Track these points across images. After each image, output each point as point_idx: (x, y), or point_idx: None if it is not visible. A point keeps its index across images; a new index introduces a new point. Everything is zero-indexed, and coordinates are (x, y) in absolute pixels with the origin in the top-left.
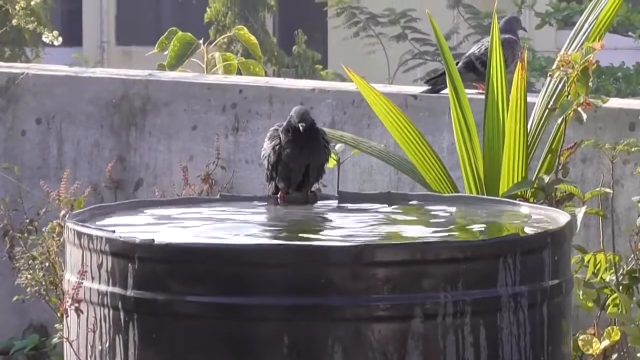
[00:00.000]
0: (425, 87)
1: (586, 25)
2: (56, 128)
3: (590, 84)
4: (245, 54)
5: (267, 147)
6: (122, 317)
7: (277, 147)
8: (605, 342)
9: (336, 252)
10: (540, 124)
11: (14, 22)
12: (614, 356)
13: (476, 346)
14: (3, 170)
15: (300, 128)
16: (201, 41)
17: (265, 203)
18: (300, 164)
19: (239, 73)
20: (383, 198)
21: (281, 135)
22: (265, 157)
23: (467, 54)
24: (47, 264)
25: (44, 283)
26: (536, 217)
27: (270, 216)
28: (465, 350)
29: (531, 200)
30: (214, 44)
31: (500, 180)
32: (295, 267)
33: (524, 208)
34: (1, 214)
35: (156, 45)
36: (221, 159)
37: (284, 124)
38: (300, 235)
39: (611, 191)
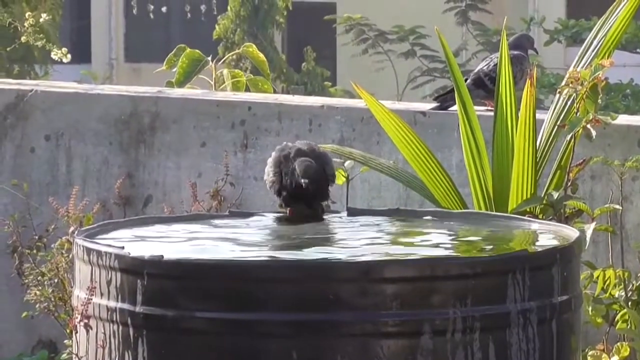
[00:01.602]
0: (434, 104)
1: (595, 42)
2: (65, 145)
3: (599, 100)
4: (253, 71)
5: (268, 176)
6: (131, 333)
7: (277, 189)
8: (615, 358)
9: (344, 268)
10: (550, 141)
11: (23, 39)
12: None
13: None
14: (12, 186)
15: (303, 185)
16: (209, 58)
17: (274, 219)
18: (300, 201)
19: (248, 90)
20: (392, 214)
21: (283, 181)
22: (268, 185)
23: (475, 71)
24: (56, 280)
25: (52, 299)
26: (545, 234)
27: (278, 232)
28: None
29: (540, 216)
30: (222, 61)
31: (509, 197)
32: (304, 283)
33: (533, 224)
34: (10, 230)
35: (165, 62)
36: (230, 175)
37: (282, 174)
38: (308, 251)
39: (620, 207)
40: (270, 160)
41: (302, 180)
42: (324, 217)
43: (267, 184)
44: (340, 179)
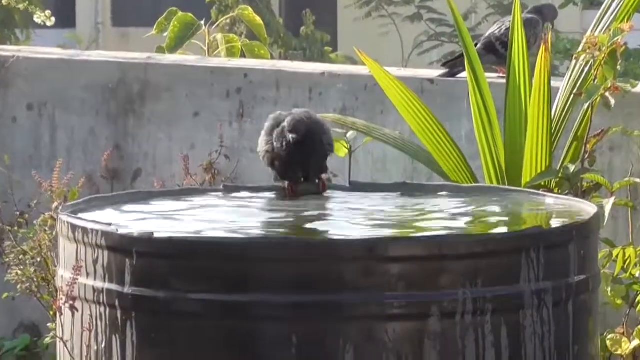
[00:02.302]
0: (442, 71)
1: (614, 5)
2: (49, 115)
3: (618, 67)
4: (249, 35)
5: (261, 146)
6: (119, 315)
7: (270, 155)
8: (635, 342)
9: (347, 247)
10: (565, 110)
11: (4, 1)
12: None
13: (497, 346)
14: None
15: (291, 139)
16: (202, 22)
17: (272, 194)
18: (296, 168)
19: (243, 56)
20: (398, 189)
21: (274, 143)
22: (261, 155)
23: (486, 35)
24: (38, 259)
25: (35, 279)
26: (561, 209)
27: (276, 208)
28: (485, 351)
29: (556, 190)
30: (216, 25)
31: (523, 170)
32: (304, 262)
33: (548, 199)
34: None
35: (155, 26)
36: (225, 147)
37: (280, 127)
38: (309, 228)
39: None
40: (263, 131)
41: (290, 136)
42: (325, 191)
43: (259, 154)
44: (342, 151)
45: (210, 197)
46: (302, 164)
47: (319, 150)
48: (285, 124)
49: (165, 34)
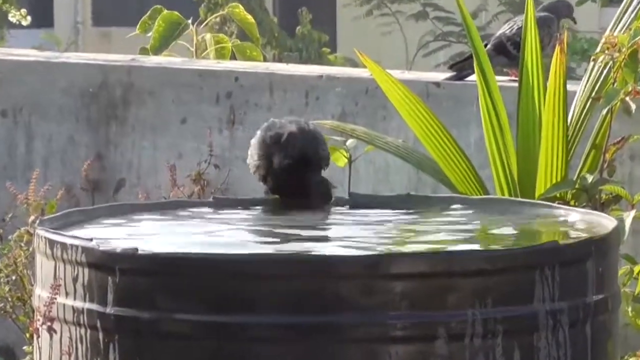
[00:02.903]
0: (450, 73)
1: (635, 2)
2: (24, 121)
3: (639, 69)
4: (240, 35)
5: (252, 159)
6: (101, 337)
7: (262, 171)
8: None
9: (347, 263)
10: (583, 116)
11: None
12: None
13: None
14: None
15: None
16: (190, 21)
17: (265, 207)
18: (289, 183)
19: (234, 58)
20: (401, 201)
21: (267, 160)
22: (252, 169)
23: (497, 35)
24: (14, 277)
25: (10, 299)
26: (578, 223)
27: (269, 222)
28: None
29: (572, 203)
30: (204, 24)
31: (537, 181)
32: (300, 280)
33: (564, 212)
34: None
35: (138, 26)
36: (215, 156)
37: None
38: (305, 244)
39: None
40: (254, 142)
41: (285, 161)
42: (325, 202)
43: (250, 168)
44: (341, 160)
45: (199, 210)
46: (296, 179)
47: (314, 166)
48: (279, 137)
49: (150, 34)
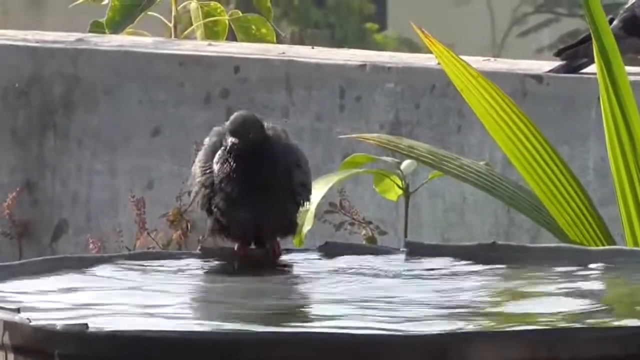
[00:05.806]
0: (558, 63)
1: None
2: None
3: None
4: (243, 4)
5: (195, 176)
6: None
7: (207, 186)
8: None
9: (402, 345)
10: None
11: None
12: None
13: None
14: None
15: (228, 145)
16: None
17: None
18: (244, 212)
19: (232, 38)
20: (484, 252)
21: (214, 166)
22: (193, 192)
23: (628, 5)
24: None
25: None
26: None
27: (279, 281)
28: None
29: None
30: None
31: None
32: None
33: None
34: None
35: None
36: None
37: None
38: (339, 319)
39: None
40: (200, 152)
41: (230, 139)
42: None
43: (190, 191)
44: (392, 192)
45: (179, 264)
46: (254, 208)
47: (284, 192)
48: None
49: (105, 2)
